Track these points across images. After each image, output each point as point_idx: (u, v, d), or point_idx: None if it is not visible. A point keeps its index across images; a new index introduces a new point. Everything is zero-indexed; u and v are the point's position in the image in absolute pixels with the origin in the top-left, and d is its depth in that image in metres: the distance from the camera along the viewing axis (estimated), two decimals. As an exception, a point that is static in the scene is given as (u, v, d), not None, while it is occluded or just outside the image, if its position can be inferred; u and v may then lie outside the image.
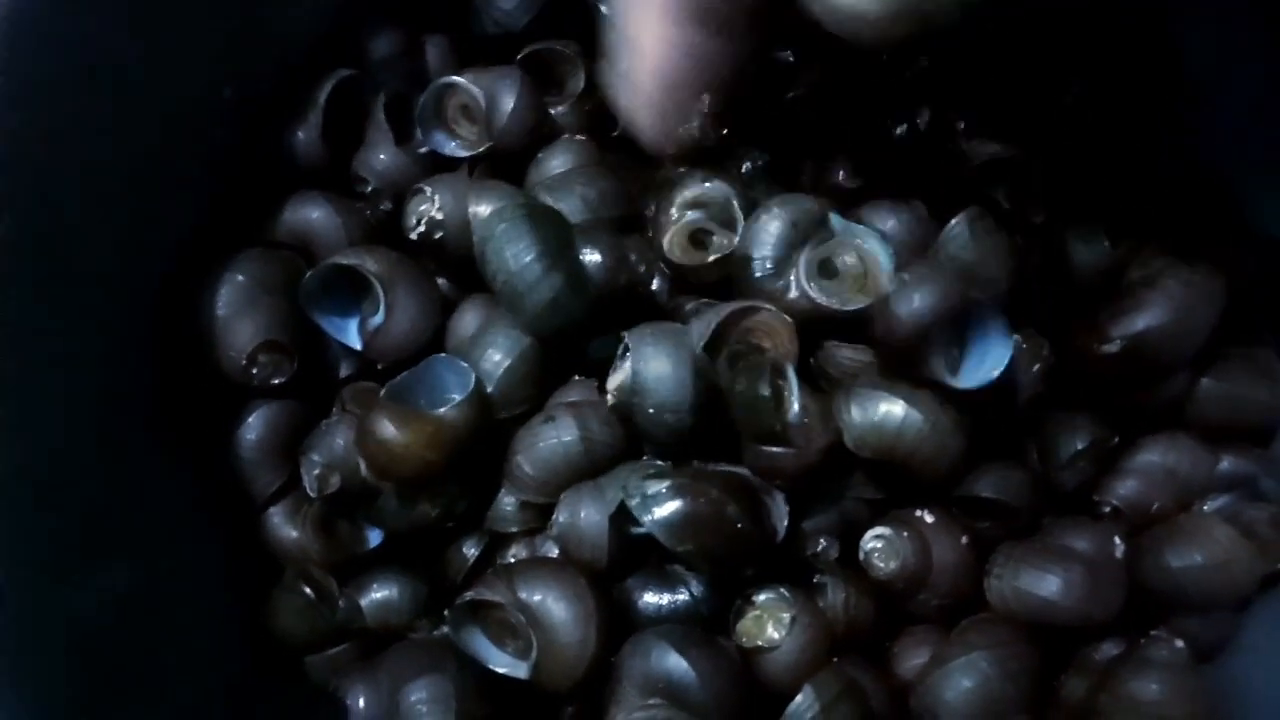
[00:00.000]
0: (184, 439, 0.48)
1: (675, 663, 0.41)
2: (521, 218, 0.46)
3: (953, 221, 0.46)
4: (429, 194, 0.51)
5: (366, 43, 0.55)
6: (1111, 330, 0.47)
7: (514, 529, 0.48)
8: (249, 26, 0.49)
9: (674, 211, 0.51)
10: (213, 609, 0.47)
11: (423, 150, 0.54)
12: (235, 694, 0.46)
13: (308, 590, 0.47)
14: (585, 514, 0.45)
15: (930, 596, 0.46)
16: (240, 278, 0.48)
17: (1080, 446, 0.48)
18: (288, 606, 0.47)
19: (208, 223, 0.50)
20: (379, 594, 0.48)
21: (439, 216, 0.50)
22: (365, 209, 0.53)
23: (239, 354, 0.47)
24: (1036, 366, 0.48)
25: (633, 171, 0.54)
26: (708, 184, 0.51)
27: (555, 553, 0.46)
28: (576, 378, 0.49)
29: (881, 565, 0.46)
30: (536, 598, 0.42)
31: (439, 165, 0.54)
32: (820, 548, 0.46)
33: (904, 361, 0.45)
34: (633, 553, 0.45)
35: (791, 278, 0.47)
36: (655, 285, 0.50)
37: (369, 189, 0.54)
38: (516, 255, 0.45)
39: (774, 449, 0.44)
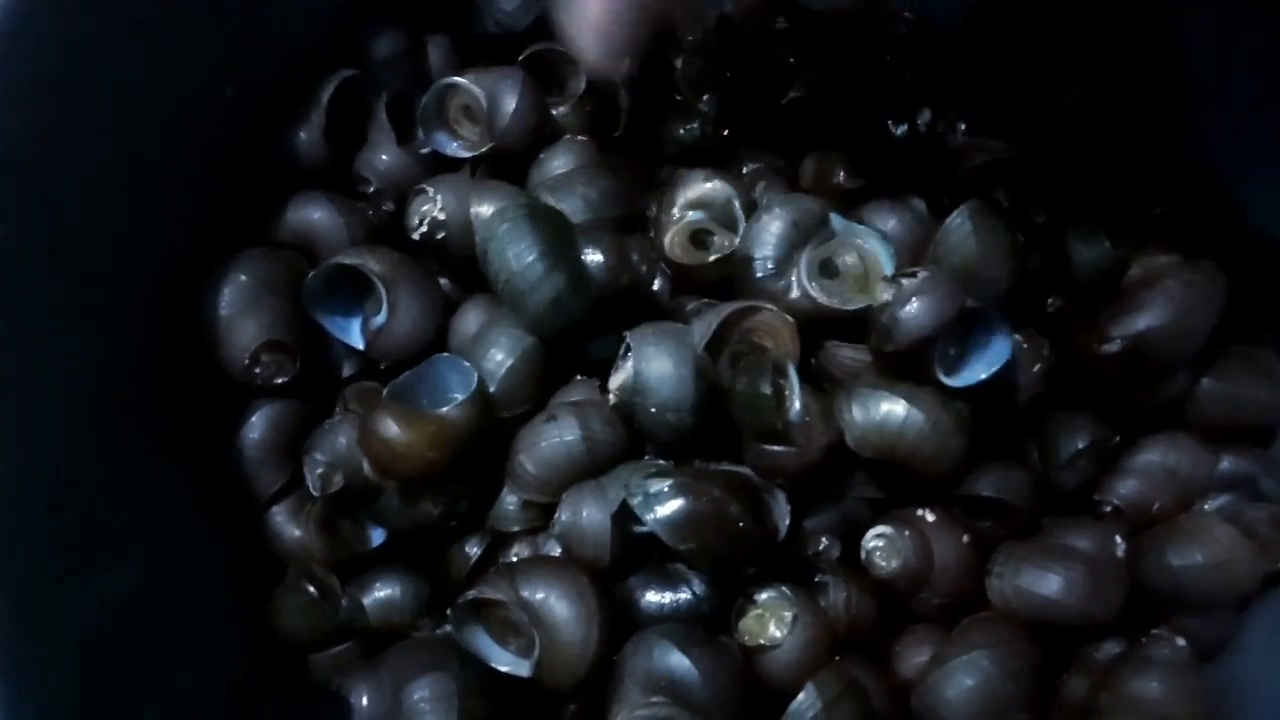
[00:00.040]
0: (186, 438, 0.48)
1: (677, 661, 0.41)
2: (523, 218, 0.46)
3: (953, 214, 0.46)
4: (431, 194, 0.51)
5: (368, 43, 0.55)
6: (1112, 330, 0.48)
7: (516, 528, 0.48)
8: (250, 27, 0.50)
9: (675, 211, 0.51)
10: (215, 608, 0.47)
11: (425, 151, 0.54)
12: (238, 693, 0.46)
13: (310, 589, 0.47)
14: (587, 513, 0.45)
15: (931, 595, 0.46)
16: (243, 277, 0.48)
17: (1081, 446, 0.48)
18: (290, 605, 0.47)
19: (210, 223, 0.50)
20: (381, 593, 0.48)
21: (441, 217, 0.51)
22: (367, 209, 0.54)
23: (242, 353, 0.47)
24: (1037, 366, 0.48)
25: (634, 172, 0.54)
26: (709, 184, 0.51)
27: (557, 551, 0.46)
28: (578, 377, 0.50)
29: (883, 564, 0.46)
30: (539, 596, 0.42)
31: (441, 166, 0.55)
32: (822, 547, 0.46)
33: (904, 365, 0.45)
34: (635, 551, 0.45)
35: (793, 277, 0.47)
36: (657, 285, 0.50)
37: (371, 189, 0.54)
38: (518, 255, 0.45)
39: (775, 448, 0.44)
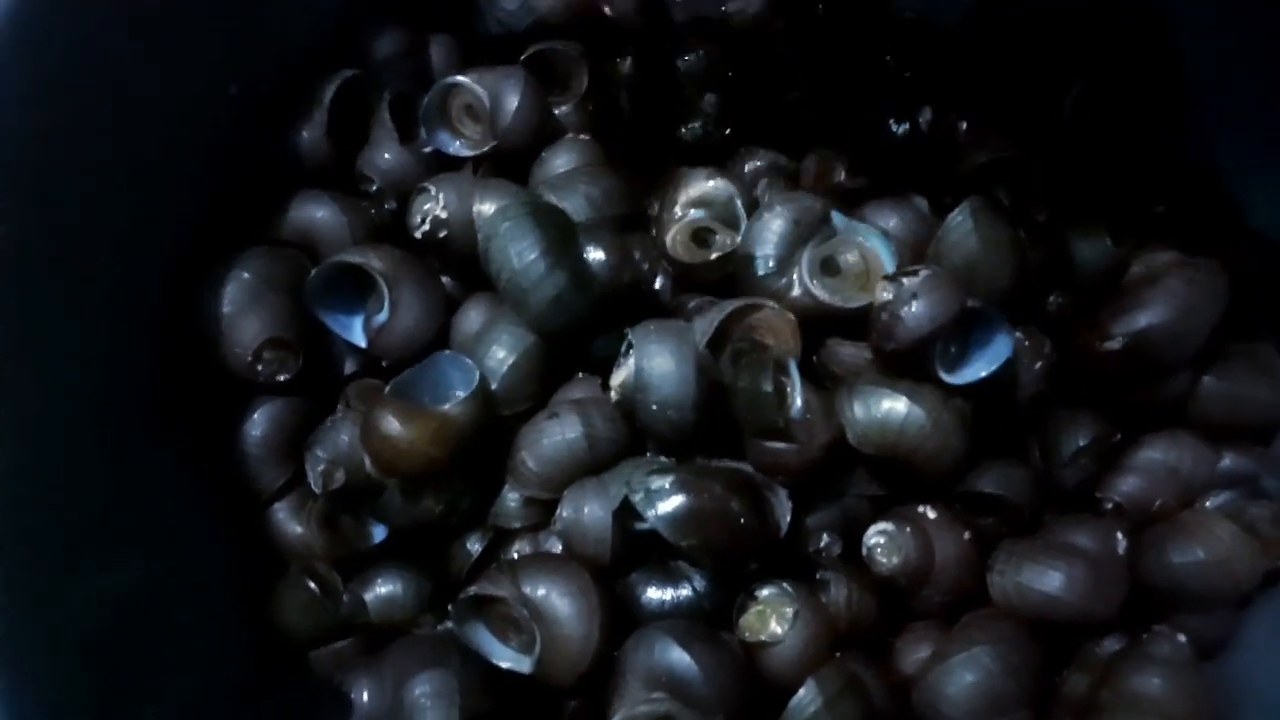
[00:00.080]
0: (188, 435, 0.48)
1: (679, 657, 0.41)
2: (525, 216, 0.46)
3: (954, 212, 0.46)
4: (433, 193, 0.51)
5: (371, 42, 0.55)
6: (1113, 328, 0.48)
7: (518, 524, 0.48)
8: (251, 26, 0.50)
9: (677, 210, 0.51)
10: (217, 605, 0.47)
11: (427, 149, 0.54)
12: (239, 689, 0.46)
13: (312, 585, 0.47)
14: (589, 509, 0.45)
15: (932, 592, 0.46)
16: (246, 275, 0.48)
17: (1082, 443, 0.48)
18: (292, 602, 0.47)
19: (211, 222, 0.50)
20: (383, 589, 0.48)
21: (443, 215, 0.51)
22: (370, 208, 0.54)
23: (244, 350, 0.48)
24: (1039, 364, 0.48)
25: (636, 170, 0.54)
26: (711, 183, 0.51)
27: (559, 548, 0.46)
28: (580, 375, 0.50)
29: (884, 561, 0.46)
30: (540, 593, 0.42)
31: (443, 164, 0.55)
32: (823, 543, 0.47)
33: (905, 363, 0.45)
34: (636, 548, 0.45)
35: (794, 275, 0.47)
36: (658, 283, 0.50)
37: (373, 188, 0.54)
38: (520, 253, 0.46)
39: (777, 445, 0.44)
